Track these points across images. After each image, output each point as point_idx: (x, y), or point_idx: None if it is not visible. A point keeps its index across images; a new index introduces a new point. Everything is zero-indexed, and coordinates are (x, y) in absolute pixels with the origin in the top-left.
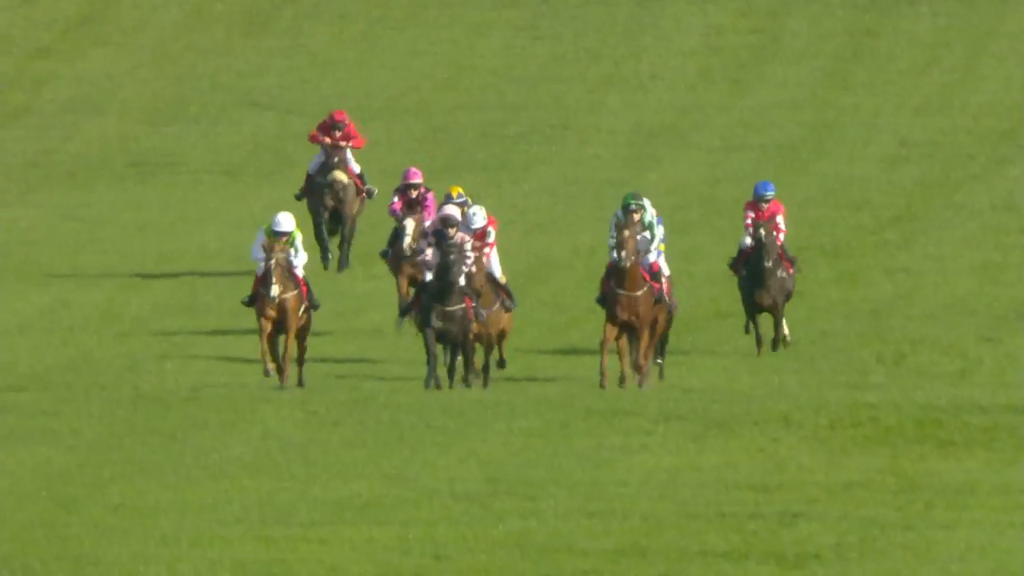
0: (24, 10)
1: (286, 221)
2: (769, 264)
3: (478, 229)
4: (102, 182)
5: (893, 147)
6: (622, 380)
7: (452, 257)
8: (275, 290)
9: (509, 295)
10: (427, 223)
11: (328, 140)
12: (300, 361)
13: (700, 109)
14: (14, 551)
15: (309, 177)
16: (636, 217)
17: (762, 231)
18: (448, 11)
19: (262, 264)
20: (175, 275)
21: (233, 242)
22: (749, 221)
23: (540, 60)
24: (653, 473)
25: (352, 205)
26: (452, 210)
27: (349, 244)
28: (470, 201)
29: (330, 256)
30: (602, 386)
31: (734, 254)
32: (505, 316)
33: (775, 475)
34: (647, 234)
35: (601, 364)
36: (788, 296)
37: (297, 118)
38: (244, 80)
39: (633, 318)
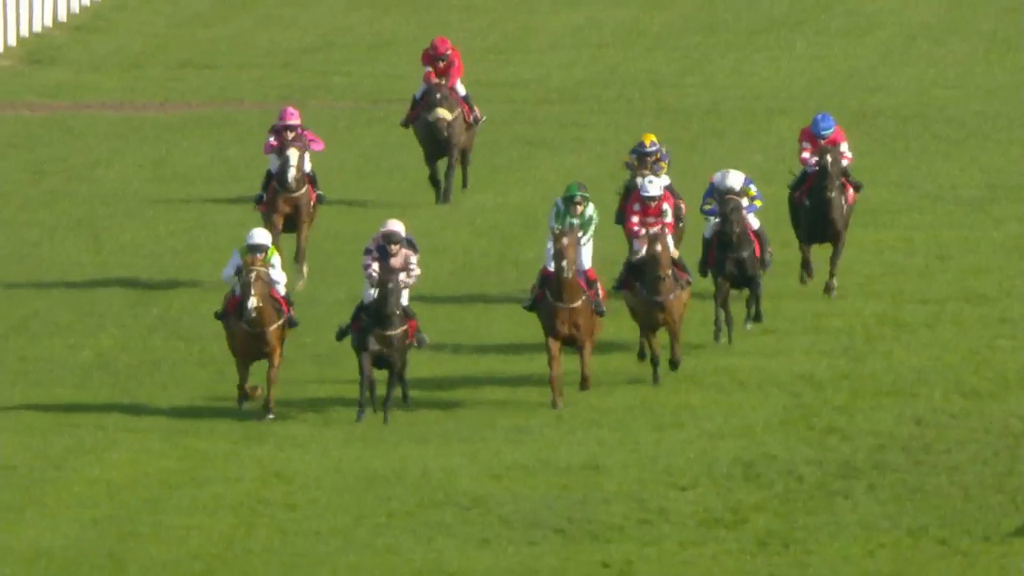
0: None
1: (260, 235)
2: (832, 194)
3: (650, 199)
4: None
5: None
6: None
7: (390, 286)
8: (253, 302)
9: (685, 271)
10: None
11: (433, 77)
12: (272, 380)
13: None
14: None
15: (415, 104)
16: (579, 209)
17: (828, 156)
18: None
19: (236, 285)
20: None
21: None
22: (806, 155)
23: None
24: None
25: (457, 138)
26: (395, 225)
27: (458, 168)
28: (664, 150)
29: (441, 187)
30: (555, 405)
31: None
32: (685, 294)
33: None
34: (586, 238)
35: (552, 381)
36: (846, 224)
37: None
38: None
39: (574, 331)
